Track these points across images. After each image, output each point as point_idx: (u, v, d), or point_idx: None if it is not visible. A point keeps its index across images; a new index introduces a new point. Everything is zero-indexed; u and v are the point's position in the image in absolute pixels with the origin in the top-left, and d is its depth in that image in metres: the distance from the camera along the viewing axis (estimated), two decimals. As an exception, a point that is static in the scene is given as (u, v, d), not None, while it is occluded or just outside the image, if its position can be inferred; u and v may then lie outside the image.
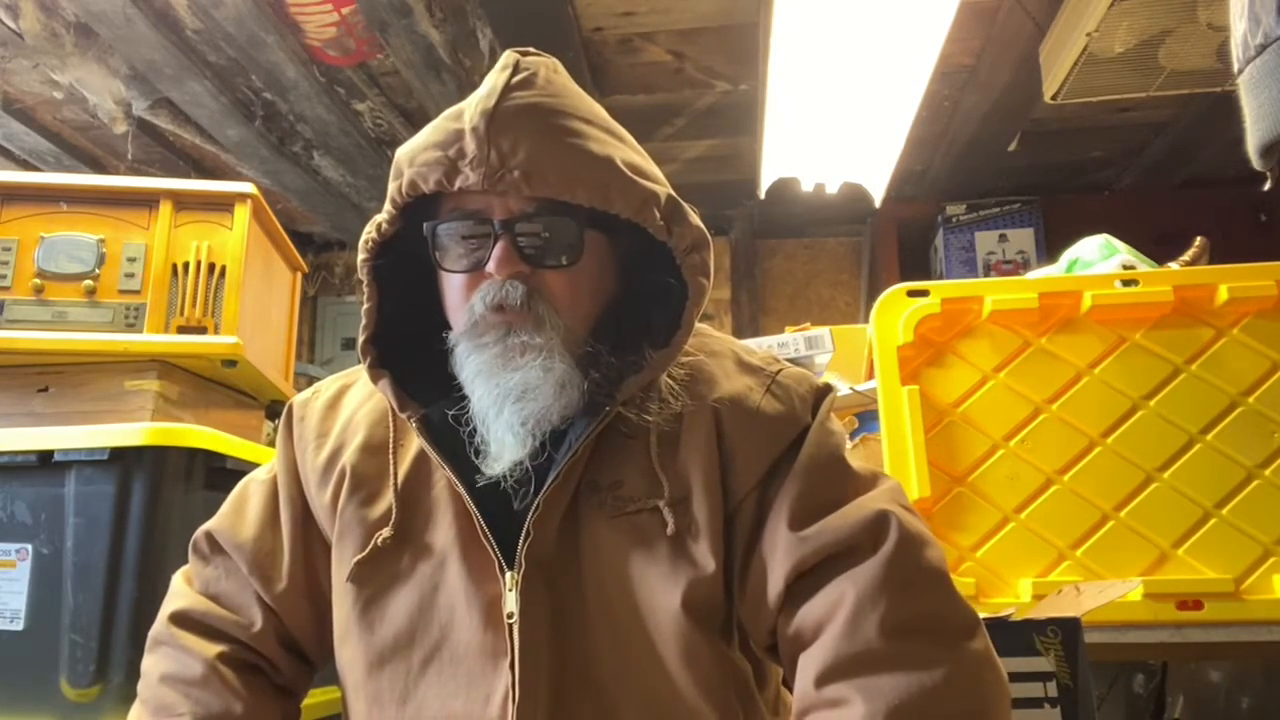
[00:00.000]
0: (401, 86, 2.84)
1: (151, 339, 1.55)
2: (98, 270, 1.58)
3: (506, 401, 0.81)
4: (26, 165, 3.22)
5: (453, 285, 0.85)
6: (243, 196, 1.66)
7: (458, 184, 0.78)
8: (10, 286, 1.56)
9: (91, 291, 1.57)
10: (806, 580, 0.80)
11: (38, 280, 1.56)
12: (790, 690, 0.82)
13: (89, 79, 2.58)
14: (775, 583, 0.81)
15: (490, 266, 0.81)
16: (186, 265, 1.60)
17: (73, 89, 2.64)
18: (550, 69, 0.84)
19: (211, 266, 1.61)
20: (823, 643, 0.76)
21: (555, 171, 0.78)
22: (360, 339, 0.86)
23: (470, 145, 0.77)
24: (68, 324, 1.55)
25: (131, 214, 1.62)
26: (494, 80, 0.80)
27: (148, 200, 1.62)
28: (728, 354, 0.93)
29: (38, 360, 1.55)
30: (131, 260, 1.59)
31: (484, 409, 0.82)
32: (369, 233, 0.84)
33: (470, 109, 0.80)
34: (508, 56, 0.83)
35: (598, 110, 0.86)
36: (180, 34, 2.48)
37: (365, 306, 0.86)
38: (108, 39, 2.45)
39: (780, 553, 0.81)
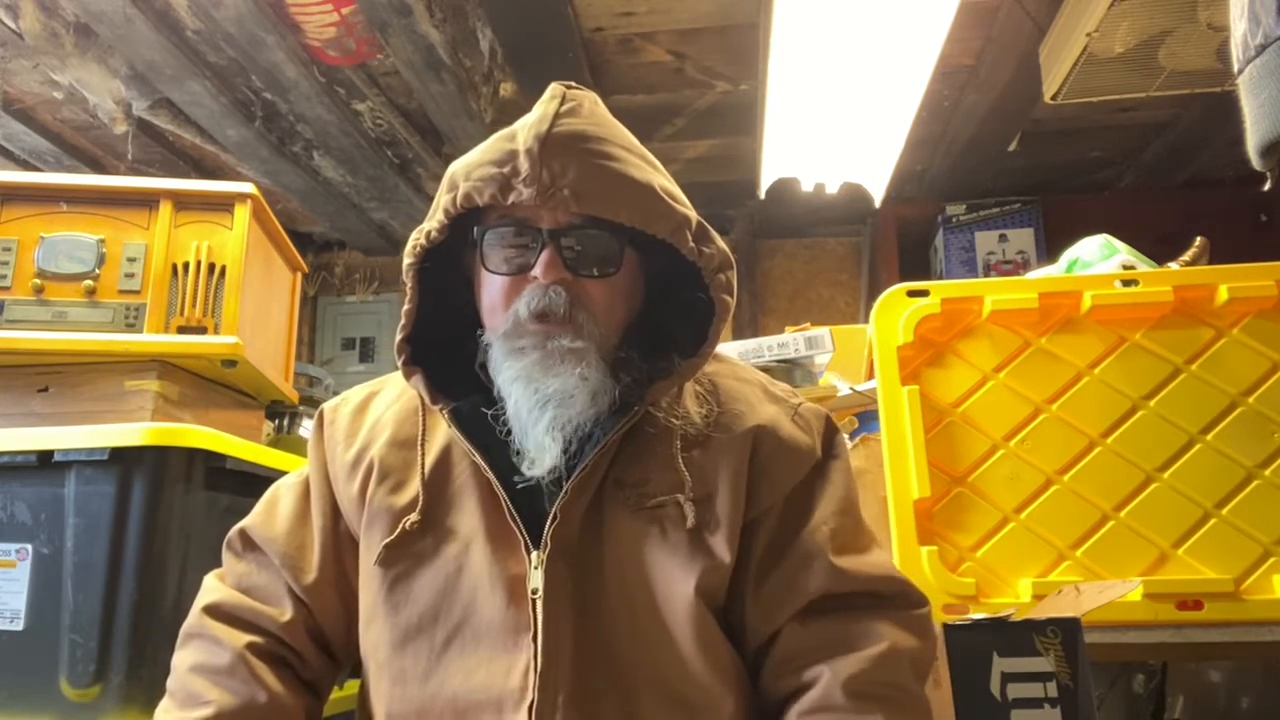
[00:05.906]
0: (401, 86, 2.84)
1: (151, 339, 1.55)
2: (98, 270, 1.58)
3: (547, 407, 0.86)
4: (26, 165, 3.22)
5: (494, 287, 0.90)
6: (243, 196, 1.66)
7: (511, 199, 0.84)
8: (10, 286, 1.56)
9: (91, 291, 1.57)
10: (832, 602, 0.88)
11: (38, 280, 1.56)
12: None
13: (89, 79, 2.58)
14: (801, 595, 0.87)
15: (537, 271, 0.87)
16: (186, 265, 1.60)
17: (73, 89, 2.64)
18: (592, 101, 0.91)
19: (211, 266, 1.61)
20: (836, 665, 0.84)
21: (601, 192, 0.85)
22: (398, 338, 0.92)
23: (524, 164, 0.83)
24: (68, 324, 1.55)
25: (131, 214, 1.62)
26: (544, 109, 0.87)
27: (148, 200, 1.62)
28: (756, 383, 1.01)
29: (38, 360, 1.55)
30: (131, 260, 1.59)
31: (521, 413, 0.87)
32: (417, 239, 0.90)
33: (523, 132, 0.86)
34: (554, 89, 0.89)
35: (634, 140, 0.92)
36: (180, 34, 2.48)
37: (406, 308, 0.92)
38: (108, 39, 2.45)
39: (816, 572, 0.88)
